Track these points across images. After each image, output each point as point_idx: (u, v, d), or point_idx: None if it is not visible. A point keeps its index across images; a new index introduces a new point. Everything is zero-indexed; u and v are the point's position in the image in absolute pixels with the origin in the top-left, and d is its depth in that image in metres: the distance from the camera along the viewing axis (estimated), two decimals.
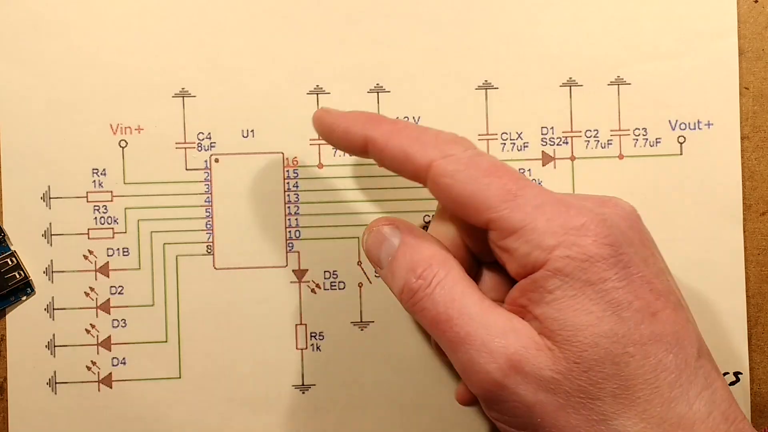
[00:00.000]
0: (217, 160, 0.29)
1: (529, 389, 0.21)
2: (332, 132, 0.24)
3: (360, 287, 0.29)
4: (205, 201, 0.29)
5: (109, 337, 0.29)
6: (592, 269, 0.21)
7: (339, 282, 0.29)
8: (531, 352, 0.21)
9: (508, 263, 0.22)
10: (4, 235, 0.29)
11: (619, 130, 0.30)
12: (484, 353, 0.21)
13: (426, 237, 0.24)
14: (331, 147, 0.29)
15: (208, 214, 0.29)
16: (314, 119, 0.25)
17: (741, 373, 0.29)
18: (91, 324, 0.29)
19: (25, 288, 0.29)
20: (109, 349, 0.29)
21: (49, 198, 0.29)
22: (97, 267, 0.29)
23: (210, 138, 0.29)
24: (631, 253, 0.21)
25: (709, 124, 0.29)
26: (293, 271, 0.29)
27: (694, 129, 0.29)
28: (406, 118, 0.29)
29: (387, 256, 0.24)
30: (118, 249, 0.29)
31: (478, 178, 0.22)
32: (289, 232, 0.29)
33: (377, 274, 0.27)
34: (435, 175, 0.22)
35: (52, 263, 0.29)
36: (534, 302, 0.21)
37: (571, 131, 0.30)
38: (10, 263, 0.29)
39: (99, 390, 0.29)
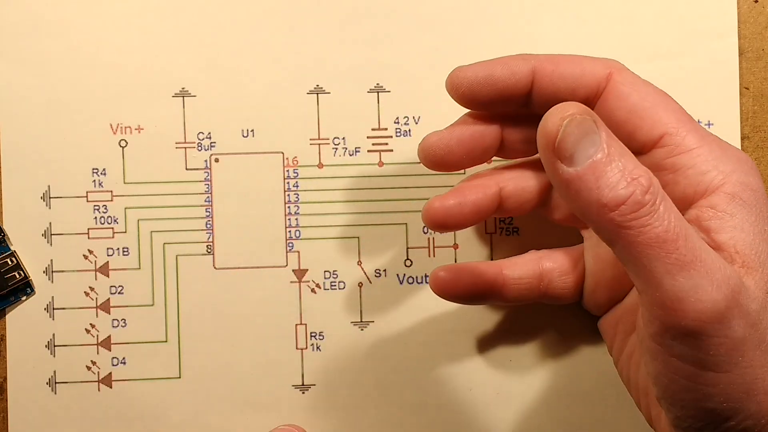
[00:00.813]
0: (217, 160, 0.29)
1: (741, 323, 0.19)
2: (492, 77, 0.23)
3: (360, 287, 0.29)
4: (205, 201, 0.29)
5: (109, 336, 0.29)
6: (762, 200, 0.21)
7: (339, 282, 0.29)
8: (741, 283, 0.20)
9: (675, 184, 0.21)
10: (4, 235, 0.29)
11: None
12: (712, 280, 0.19)
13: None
14: (332, 146, 0.29)
15: (208, 214, 0.29)
16: (458, 78, 0.24)
17: None
18: (91, 324, 0.29)
19: (25, 288, 0.29)
20: (109, 349, 0.29)
21: (49, 198, 0.29)
22: (97, 267, 0.29)
23: (210, 138, 0.29)
24: None
25: (709, 124, 0.29)
26: (293, 271, 0.29)
27: None
28: (406, 118, 0.29)
29: (589, 153, 0.20)
30: (118, 249, 0.29)
31: (659, 93, 0.22)
32: (289, 232, 0.29)
33: (561, 173, 0.20)
34: (616, 83, 0.22)
35: (52, 263, 0.29)
36: (715, 229, 0.20)
37: None
38: (10, 263, 0.29)
39: (99, 390, 0.29)
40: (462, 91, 0.23)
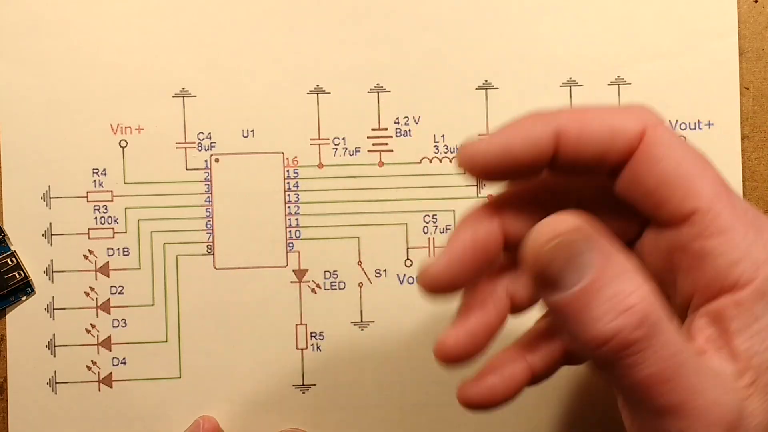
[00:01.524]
0: (217, 160, 0.29)
1: None
2: (509, 149, 0.19)
3: (360, 287, 0.29)
4: (205, 201, 0.29)
5: (109, 337, 0.29)
6: None
7: (339, 282, 0.29)
8: (741, 409, 0.17)
9: (701, 270, 0.18)
10: (4, 235, 0.29)
11: None
12: (704, 423, 0.17)
13: (623, 252, 0.18)
14: (332, 146, 0.29)
15: (208, 214, 0.29)
16: (470, 157, 0.20)
17: None
18: (91, 324, 0.29)
19: (25, 288, 0.29)
20: (110, 349, 0.29)
21: (50, 198, 0.29)
22: (97, 267, 0.29)
23: (210, 138, 0.29)
24: None
25: (709, 124, 0.29)
26: (293, 271, 0.29)
27: (695, 129, 0.29)
28: (406, 118, 0.29)
29: (575, 280, 0.17)
30: (118, 249, 0.29)
31: (696, 159, 0.19)
32: (289, 232, 0.29)
33: (547, 299, 0.18)
34: (649, 144, 0.19)
35: (52, 263, 0.29)
36: (734, 331, 0.18)
37: None
38: (10, 263, 0.29)
39: (99, 390, 0.29)
40: (476, 171, 0.20)
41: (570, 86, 0.29)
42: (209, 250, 0.29)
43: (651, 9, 0.29)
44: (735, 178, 0.29)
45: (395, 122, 0.29)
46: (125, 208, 0.29)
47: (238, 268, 0.29)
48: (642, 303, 0.17)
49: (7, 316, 0.29)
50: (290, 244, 0.29)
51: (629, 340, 0.17)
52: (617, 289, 0.17)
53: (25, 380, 0.29)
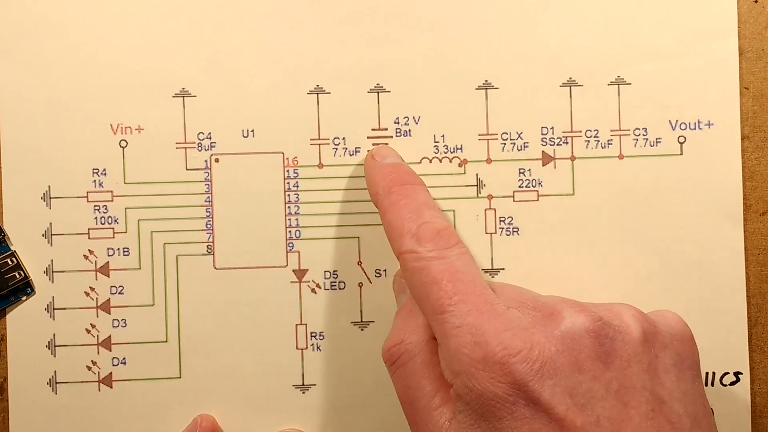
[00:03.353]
0: (217, 160, 0.29)
1: None
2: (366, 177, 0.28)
3: (360, 287, 0.29)
4: (205, 201, 0.29)
5: (110, 337, 0.29)
6: (488, 405, 0.20)
7: (339, 282, 0.30)
8: None
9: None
10: (4, 235, 0.29)
11: (620, 130, 0.30)
12: None
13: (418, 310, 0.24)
14: (332, 146, 0.29)
15: (208, 214, 0.29)
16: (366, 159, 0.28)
17: (741, 373, 0.29)
18: (91, 324, 0.29)
19: (25, 288, 0.29)
20: (110, 349, 0.29)
21: (50, 198, 0.29)
22: (98, 267, 0.29)
23: (210, 138, 0.29)
24: (547, 387, 0.20)
25: (709, 124, 0.29)
26: (293, 271, 0.29)
27: (695, 129, 0.29)
28: (406, 119, 0.29)
29: (399, 304, 0.26)
30: (118, 249, 0.29)
31: (424, 284, 0.23)
32: (289, 232, 0.29)
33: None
34: (400, 267, 0.24)
35: (52, 263, 0.29)
36: (452, 414, 0.22)
37: (572, 131, 0.30)
38: (10, 263, 0.29)
39: (99, 390, 0.29)
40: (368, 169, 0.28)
41: (570, 86, 0.29)
42: (209, 250, 0.29)
43: (651, 9, 0.29)
44: (735, 178, 0.29)
45: (395, 122, 0.29)
46: (125, 208, 0.29)
47: (238, 268, 0.29)
48: (403, 336, 0.24)
49: (7, 316, 0.29)
50: (290, 244, 0.29)
51: (393, 354, 0.24)
52: (403, 324, 0.24)
53: (25, 380, 0.29)
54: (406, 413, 0.24)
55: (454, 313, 0.22)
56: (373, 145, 0.29)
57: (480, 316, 0.22)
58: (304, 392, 0.29)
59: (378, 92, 0.29)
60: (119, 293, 0.29)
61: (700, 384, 0.22)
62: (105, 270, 0.29)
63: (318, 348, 0.29)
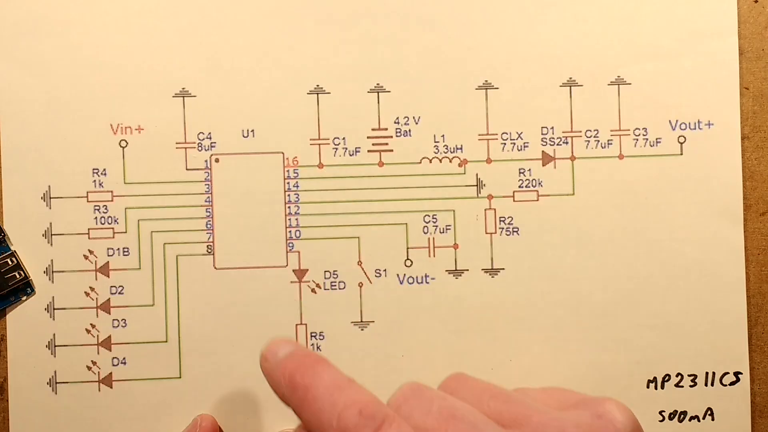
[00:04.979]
0: (217, 160, 0.29)
1: None
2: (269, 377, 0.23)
3: (360, 287, 0.30)
4: (205, 201, 0.29)
5: (110, 337, 0.29)
6: None
7: (339, 282, 0.30)
8: None
9: None
10: (4, 235, 0.29)
11: (620, 130, 0.30)
12: None
13: None
14: (332, 146, 0.29)
15: (208, 214, 0.29)
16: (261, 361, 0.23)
17: (741, 373, 0.29)
18: (91, 324, 0.29)
19: (25, 288, 0.29)
20: (110, 349, 0.29)
21: (50, 198, 0.29)
22: (98, 267, 0.29)
23: (210, 138, 0.29)
24: None
25: (709, 124, 0.29)
26: (293, 271, 0.29)
27: (695, 129, 0.29)
28: (406, 118, 0.29)
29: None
30: (118, 249, 0.29)
31: None
32: (289, 232, 0.29)
33: None
34: None
35: (52, 263, 0.29)
36: None
37: (572, 131, 0.30)
38: (10, 263, 0.29)
39: (99, 390, 0.29)
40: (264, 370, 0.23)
41: (570, 86, 0.29)
42: (209, 250, 0.29)
43: (651, 9, 0.29)
44: (735, 178, 0.29)
45: (395, 122, 0.29)
46: (125, 208, 0.29)
47: (238, 268, 0.29)
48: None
49: (7, 316, 0.29)
50: (290, 244, 0.29)
51: None
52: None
53: (25, 380, 0.29)
54: None
55: None
56: (373, 144, 0.29)
57: None
58: None
59: (378, 92, 0.29)
60: (119, 293, 0.29)
61: None
62: (105, 270, 0.29)
63: (318, 348, 0.29)
